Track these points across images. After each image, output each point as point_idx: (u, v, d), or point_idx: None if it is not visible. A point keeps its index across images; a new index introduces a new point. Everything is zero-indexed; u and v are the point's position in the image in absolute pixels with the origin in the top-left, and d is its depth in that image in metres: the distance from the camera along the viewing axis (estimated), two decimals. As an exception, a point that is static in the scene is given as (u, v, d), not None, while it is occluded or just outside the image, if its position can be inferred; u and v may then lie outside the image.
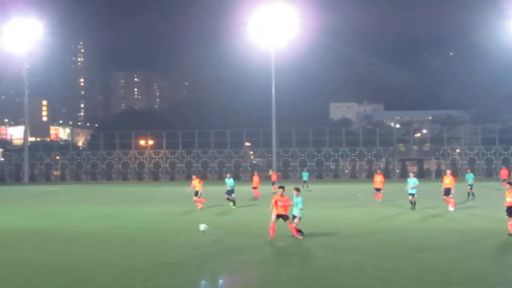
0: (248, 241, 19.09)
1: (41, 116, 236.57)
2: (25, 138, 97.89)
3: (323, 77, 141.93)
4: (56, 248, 18.42)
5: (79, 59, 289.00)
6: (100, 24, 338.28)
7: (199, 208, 31.68)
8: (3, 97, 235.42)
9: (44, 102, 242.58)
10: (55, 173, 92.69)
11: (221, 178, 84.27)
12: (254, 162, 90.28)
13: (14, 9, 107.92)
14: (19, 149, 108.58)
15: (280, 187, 18.91)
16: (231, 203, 32.87)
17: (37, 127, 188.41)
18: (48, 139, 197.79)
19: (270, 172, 58.56)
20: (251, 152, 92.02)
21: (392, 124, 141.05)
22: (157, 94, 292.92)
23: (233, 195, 33.00)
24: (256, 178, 42.76)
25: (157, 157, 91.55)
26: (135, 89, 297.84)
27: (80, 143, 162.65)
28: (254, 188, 42.31)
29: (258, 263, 15.37)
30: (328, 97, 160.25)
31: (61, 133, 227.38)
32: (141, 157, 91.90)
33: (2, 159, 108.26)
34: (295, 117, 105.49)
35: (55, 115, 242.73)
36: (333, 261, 15.33)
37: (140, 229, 23.05)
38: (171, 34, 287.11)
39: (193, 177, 33.89)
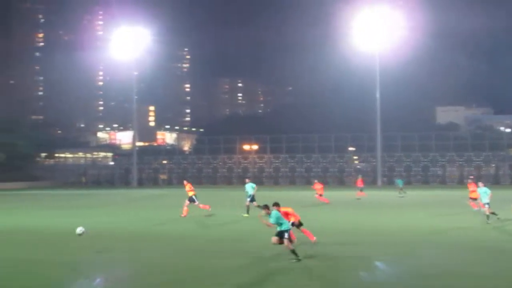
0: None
1: (149, 121, 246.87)
2: (133, 143, 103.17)
3: (429, 81, 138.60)
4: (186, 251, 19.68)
5: (184, 65, 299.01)
6: (205, 30, 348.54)
7: (183, 215, 31.13)
8: (112, 103, 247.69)
9: (151, 108, 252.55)
10: (162, 177, 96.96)
11: (325, 183, 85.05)
12: (358, 167, 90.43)
13: (123, 18, 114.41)
14: (127, 154, 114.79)
15: (265, 206, 17.66)
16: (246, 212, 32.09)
17: (144, 132, 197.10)
18: (155, 144, 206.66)
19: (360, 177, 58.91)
20: (355, 157, 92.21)
21: (502, 128, 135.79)
22: (261, 99, 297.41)
23: (253, 203, 31.83)
24: (318, 185, 42.95)
25: (261, 161, 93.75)
26: (239, 94, 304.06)
27: (186, 148, 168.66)
28: (319, 195, 42.52)
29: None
30: (434, 101, 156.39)
31: (168, 137, 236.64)
32: (245, 161, 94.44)
33: (112, 163, 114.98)
34: (400, 121, 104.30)
35: (161, 120, 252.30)
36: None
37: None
38: (274, 39, 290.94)
39: (185, 182, 33.66)
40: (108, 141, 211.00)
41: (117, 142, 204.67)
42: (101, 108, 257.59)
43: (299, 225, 19.58)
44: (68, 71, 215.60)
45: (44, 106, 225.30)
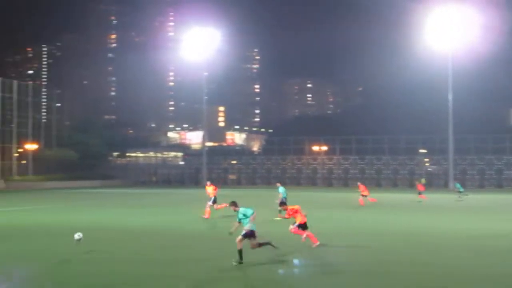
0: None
1: (218, 121, 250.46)
2: (203, 143, 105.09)
3: (504, 81, 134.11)
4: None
5: (254, 66, 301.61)
6: (275, 31, 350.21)
7: (205, 216, 30.78)
8: (183, 104, 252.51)
9: (221, 108, 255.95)
10: (231, 177, 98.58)
11: (395, 186, 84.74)
12: (429, 169, 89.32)
13: (194, 19, 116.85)
14: (197, 154, 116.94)
15: (232, 202, 17.22)
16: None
17: (214, 132, 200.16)
18: (225, 144, 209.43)
19: (423, 181, 58.39)
20: (426, 159, 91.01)
21: None
22: (330, 99, 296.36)
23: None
24: (362, 187, 42.77)
25: (330, 163, 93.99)
26: (309, 95, 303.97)
27: (255, 148, 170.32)
28: (363, 195, 42.29)
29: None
30: (509, 102, 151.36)
31: (237, 138, 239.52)
32: (314, 162, 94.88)
33: (182, 162, 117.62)
34: (473, 123, 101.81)
35: (231, 121, 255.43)
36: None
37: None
38: (345, 39, 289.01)
39: (208, 183, 33.71)
40: (178, 141, 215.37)
41: (187, 142, 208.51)
42: (172, 108, 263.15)
43: (304, 227, 19.35)
44: (140, 71, 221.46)
45: (117, 106, 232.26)
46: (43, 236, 23.77)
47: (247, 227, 16.21)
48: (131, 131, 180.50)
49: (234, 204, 16.96)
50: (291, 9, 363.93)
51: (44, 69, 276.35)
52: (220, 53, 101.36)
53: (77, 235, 18.12)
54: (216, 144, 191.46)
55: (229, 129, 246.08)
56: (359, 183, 44.69)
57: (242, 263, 15.89)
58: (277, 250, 17.23)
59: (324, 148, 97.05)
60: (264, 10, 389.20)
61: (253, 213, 16.35)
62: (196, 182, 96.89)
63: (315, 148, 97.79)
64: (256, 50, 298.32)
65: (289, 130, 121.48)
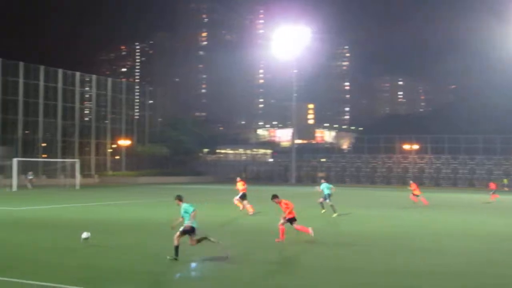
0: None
1: (308, 119, 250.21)
2: (292, 140, 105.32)
3: None
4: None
5: (344, 63, 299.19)
6: (365, 28, 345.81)
7: (250, 213, 31.05)
8: (272, 101, 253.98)
9: (310, 106, 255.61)
10: (320, 175, 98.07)
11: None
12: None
13: (284, 16, 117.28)
14: (286, 151, 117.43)
15: (177, 196, 16.60)
16: (328, 210, 31.81)
17: (303, 130, 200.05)
18: (314, 142, 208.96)
19: (505, 181, 55.72)
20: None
21: None
22: (422, 97, 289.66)
23: (327, 201, 31.50)
24: (413, 186, 41.43)
25: (421, 162, 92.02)
26: (400, 93, 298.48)
27: (344, 146, 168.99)
28: (414, 195, 41.04)
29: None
30: None
31: (326, 136, 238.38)
32: (404, 161, 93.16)
33: (271, 160, 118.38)
34: None
35: (320, 118, 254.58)
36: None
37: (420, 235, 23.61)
38: (437, 36, 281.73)
39: (238, 179, 33.82)
40: (267, 138, 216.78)
41: (276, 139, 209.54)
42: (261, 105, 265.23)
43: (292, 221, 19.46)
44: (230, 69, 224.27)
45: (207, 103, 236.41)
46: (138, 230, 24.24)
47: (187, 223, 15.99)
48: (221, 128, 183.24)
49: (178, 198, 16.54)
50: (381, 6, 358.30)
51: (137, 67, 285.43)
52: (310, 50, 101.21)
53: (85, 234, 17.96)
54: (305, 141, 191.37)
55: (318, 127, 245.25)
56: (411, 182, 43.39)
57: (177, 259, 15.70)
58: (219, 244, 16.83)
59: (416, 146, 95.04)
60: (354, 7, 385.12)
61: (194, 210, 16.05)
62: (285, 179, 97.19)
63: (406, 146, 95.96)
64: (346, 47, 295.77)
65: (380, 129, 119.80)
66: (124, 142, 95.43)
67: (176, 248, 15.77)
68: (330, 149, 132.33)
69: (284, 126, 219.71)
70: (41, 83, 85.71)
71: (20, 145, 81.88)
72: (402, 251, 18.65)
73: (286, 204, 19.54)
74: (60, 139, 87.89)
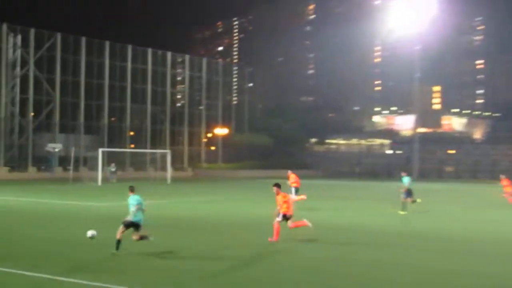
0: None
1: (432, 104, 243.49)
2: (414, 129, 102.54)
3: None
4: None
5: (476, 37, 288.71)
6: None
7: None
8: (391, 83, 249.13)
9: (436, 88, 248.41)
10: (448, 169, 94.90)
11: None
12: None
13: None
14: (407, 141, 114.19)
15: (130, 187, 17.79)
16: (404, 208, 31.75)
17: (427, 117, 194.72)
18: (441, 130, 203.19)
19: None
20: None
21: None
22: None
23: (408, 199, 31.96)
24: (505, 182, 39.50)
25: None
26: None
27: (477, 136, 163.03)
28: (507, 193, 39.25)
29: None
30: None
31: (455, 123, 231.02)
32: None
33: (389, 151, 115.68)
34: None
35: (448, 103, 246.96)
36: None
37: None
38: None
39: (289, 172, 34.63)
40: (385, 127, 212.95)
41: (396, 127, 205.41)
42: (378, 88, 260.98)
43: (288, 218, 19.78)
44: (341, 46, 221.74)
45: (315, 86, 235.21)
46: (234, 228, 24.50)
47: (127, 218, 17.07)
48: (331, 115, 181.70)
49: (130, 188, 17.57)
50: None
51: (235, 46, 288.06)
52: (435, 23, 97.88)
53: (90, 233, 18.12)
54: (430, 130, 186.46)
55: (445, 113, 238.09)
56: (502, 176, 41.08)
57: (116, 253, 16.64)
58: (151, 241, 17.44)
59: None
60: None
61: (136, 204, 16.95)
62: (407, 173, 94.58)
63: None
64: (479, 18, 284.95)
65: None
66: (221, 131, 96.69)
67: (118, 242, 16.83)
68: (459, 139, 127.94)
69: (405, 112, 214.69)
70: (129, 65, 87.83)
71: (106, 134, 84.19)
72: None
73: (285, 197, 19.90)
74: (150, 127, 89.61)
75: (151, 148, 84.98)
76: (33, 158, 78.43)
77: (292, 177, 34.19)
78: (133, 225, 17.07)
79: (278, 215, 19.81)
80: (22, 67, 78.94)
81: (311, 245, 19.70)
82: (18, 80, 78.96)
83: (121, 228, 16.98)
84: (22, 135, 78.72)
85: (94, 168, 62.89)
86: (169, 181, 65.71)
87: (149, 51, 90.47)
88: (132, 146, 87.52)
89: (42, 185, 57.23)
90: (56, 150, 75.75)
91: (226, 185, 61.69)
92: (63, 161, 76.54)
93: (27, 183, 60.43)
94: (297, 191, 33.37)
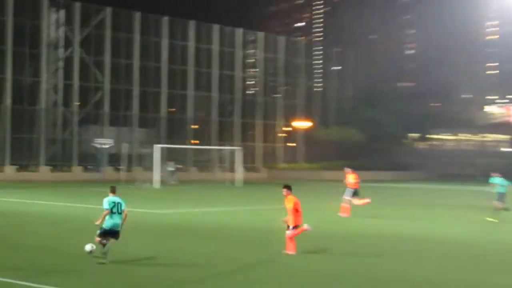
0: None
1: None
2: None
3: None
4: None
5: None
6: None
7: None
8: (509, 66, 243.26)
9: None
10: None
11: None
12: None
13: None
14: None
15: (111, 187, 19.19)
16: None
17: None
18: None
19: None
20: None
21: None
22: None
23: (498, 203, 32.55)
24: None
25: None
26: None
27: None
28: None
29: None
30: None
31: None
32: None
33: (509, 149, 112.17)
34: None
35: None
36: None
37: None
38: None
39: (346, 169, 34.81)
40: (502, 119, 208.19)
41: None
42: (493, 72, 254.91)
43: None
44: (447, 21, 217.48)
45: (416, 70, 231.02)
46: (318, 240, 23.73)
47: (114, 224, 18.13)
48: (435, 105, 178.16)
49: (110, 189, 18.76)
50: None
51: (317, 21, 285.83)
52: None
53: (89, 247, 18.71)
54: None
55: None
56: None
57: (105, 263, 17.62)
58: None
59: None
60: None
61: (106, 209, 17.99)
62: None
63: None
64: None
65: None
66: (302, 124, 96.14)
67: (104, 247, 17.89)
68: None
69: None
70: (191, 44, 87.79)
71: (163, 127, 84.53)
72: None
73: (297, 204, 20.16)
74: (216, 119, 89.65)
75: (217, 144, 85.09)
76: (78, 155, 78.90)
77: (351, 176, 33.98)
78: (109, 233, 18.06)
79: (287, 225, 20.26)
80: (65, 48, 79.46)
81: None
82: (61, 64, 79.56)
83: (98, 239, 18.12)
84: (66, 129, 79.39)
85: (149, 167, 63.22)
86: (239, 183, 65.82)
87: (215, 28, 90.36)
88: (195, 141, 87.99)
89: (89, 187, 57.78)
90: (106, 146, 75.87)
91: (309, 189, 60.11)
92: (114, 159, 76.92)
93: (72, 185, 61.19)
94: (355, 193, 33.51)
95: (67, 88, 79.59)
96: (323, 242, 23.01)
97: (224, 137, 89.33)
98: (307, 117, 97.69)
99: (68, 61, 79.51)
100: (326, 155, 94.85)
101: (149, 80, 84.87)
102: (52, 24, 78.71)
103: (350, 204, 33.23)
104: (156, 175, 60.74)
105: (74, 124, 79.73)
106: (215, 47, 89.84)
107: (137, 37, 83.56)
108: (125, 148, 69.85)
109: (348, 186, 33.73)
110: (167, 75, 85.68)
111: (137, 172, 69.73)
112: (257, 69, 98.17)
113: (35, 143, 76.80)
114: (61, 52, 79.43)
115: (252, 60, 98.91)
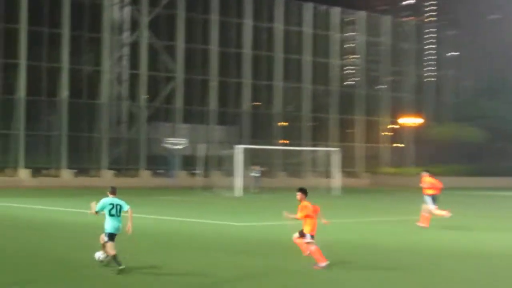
0: None
1: None
2: None
3: None
4: None
5: None
6: None
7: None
8: None
9: None
10: None
11: None
12: None
13: None
14: None
15: (111, 188, 19.84)
16: None
17: None
18: None
19: None
20: None
21: None
22: None
23: None
24: None
25: None
26: None
27: None
28: None
29: None
30: None
31: None
32: None
33: None
34: None
35: None
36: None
37: None
38: None
39: (423, 173, 34.01)
40: None
41: None
42: None
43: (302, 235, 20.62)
44: None
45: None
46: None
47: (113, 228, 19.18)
48: None
49: (110, 190, 19.45)
50: None
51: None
52: None
53: (99, 254, 19.64)
54: None
55: None
56: None
57: (122, 268, 18.52)
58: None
59: None
60: None
61: (102, 209, 19.08)
62: None
63: None
64: None
65: None
66: (411, 121, 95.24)
67: (114, 257, 18.72)
68: None
69: None
70: (279, 26, 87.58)
71: (246, 124, 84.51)
72: None
73: (316, 209, 20.58)
74: (309, 114, 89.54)
75: (310, 145, 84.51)
76: (146, 158, 79.32)
77: (428, 180, 33.50)
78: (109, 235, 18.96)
79: (303, 234, 20.55)
80: (131, 32, 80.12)
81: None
82: (125, 50, 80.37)
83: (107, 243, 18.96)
84: (132, 126, 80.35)
85: (230, 172, 63.09)
86: (336, 191, 64.91)
87: (307, 6, 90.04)
88: (284, 141, 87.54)
89: (159, 195, 58.24)
90: (178, 147, 76.39)
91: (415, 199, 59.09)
92: (188, 162, 77.25)
93: (139, 193, 60.20)
94: (434, 200, 33.09)
95: (133, 79, 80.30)
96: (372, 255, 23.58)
97: (318, 136, 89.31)
98: (417, 112, 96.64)
99: (134, 46, 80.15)
100: (441, 157, 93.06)
101: (229, 69, 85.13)
102: (115, 4, 79.41)
103: (430, 213, 32.97)
104: (238, 181, 60.42)
105: (142, 121, 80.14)
106: (307, 29, 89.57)
107: (215, 18, 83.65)
108: (201, 149, 69.01)
109: (426, 192, 33.40)
110: (251, 63, 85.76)
111: (215, 177, 69.61)
112: (357, 56, 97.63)
113: (96, 143, 77.53)
114: (126, 36, 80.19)
115: (351, 45, 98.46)
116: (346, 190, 66.75)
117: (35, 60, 74.27)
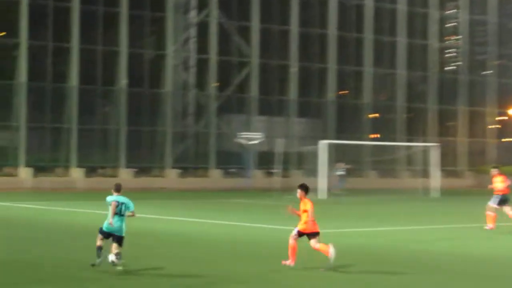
0: None
1: None
2: None
3: None
4: None
5: None
6: None
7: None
8: None
9: None
10: None
11: None
12: None
13: None
14: None
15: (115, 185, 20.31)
16: None
17: None
18: None
19: None
20: None
21: None
22: None
23: None
24: None
25: None
26: None
27: None
28: None
29: None
30: None
31: None
32: None
33: None
34: None
35: None
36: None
37: None
38: None
39: (493, 171, 33.82)
40: None
41: None
42: None
43: (313, 236, 21.04)
44: None
45: None
46: None
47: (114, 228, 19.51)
48: None
49: (115, 187, 19.33)
50: None
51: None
52: None
53: (112, 257, 19.15)
54: None
55: None
56: None
57: (95, 264, 19.33)
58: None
59: None
60: None
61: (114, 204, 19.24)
62: None
63: None
64: None
65: None
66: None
67: (98, 248, 19.10)
68: None
69: None
70: (369, 3, 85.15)
71: (331, 116, 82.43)
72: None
73: (305, 205, 20.81)
74: (404, 105, 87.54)
75: (405, 140, 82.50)
76: (217, 155, 77.57)
77: (499, 179, 32.92)
78: (109, 236, 18.97)
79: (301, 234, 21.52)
80: (199, 11, 77.26)
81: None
82: (193, 32, 77.52)
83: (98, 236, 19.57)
84: (200, 119, 78.45)
85: (312, 171, 60.02)
86: (435, 193, 62.94)
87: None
88: (375, 135, 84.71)
89: (232, 198, 57.66)
90: (254, 142, 74.20)
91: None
92: (265, 159, 74.28)
93: (209, 195, 60.85)
94: (505, 201, 32.57)
95: (201, 65, 77.89)
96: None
97: (414, 130, 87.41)
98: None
99: (203, 27, 77.18)
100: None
101: (311, 53, 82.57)
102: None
103: (496, 213, 32.50)
104: (322, 181, 57.70)
105: (211, 112, 78.17)
106: (402, 6, 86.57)
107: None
108: (280, 145, 65.15)
109: (495, 192, 32.82)
110: (336, 45, 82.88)
111: (296, 177, 65.46)
112: (459, 37, 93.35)
113: (159, 139, 75.86)
114: (193, 15, 77.52)
115: (453, 24, 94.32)
116: (447, 191, 65.14)
117: (89, 43, 72.07)
